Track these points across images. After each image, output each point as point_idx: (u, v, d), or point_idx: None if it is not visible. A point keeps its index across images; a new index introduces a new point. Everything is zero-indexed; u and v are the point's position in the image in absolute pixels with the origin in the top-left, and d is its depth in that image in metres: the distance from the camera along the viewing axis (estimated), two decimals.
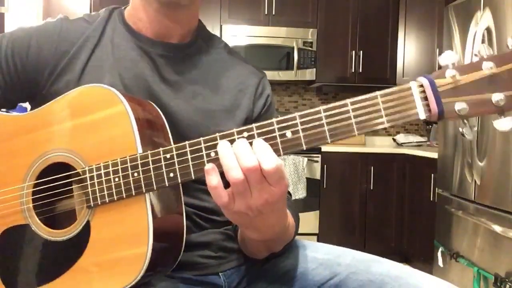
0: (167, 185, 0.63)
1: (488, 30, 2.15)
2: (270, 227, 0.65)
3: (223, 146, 0.57)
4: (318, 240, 3.19)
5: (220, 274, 0.83)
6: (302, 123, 0.57)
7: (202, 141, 0.60)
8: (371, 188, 3.27)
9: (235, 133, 0.59)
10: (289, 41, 3.37)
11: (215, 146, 0.59)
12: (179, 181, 0.62)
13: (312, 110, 0.57)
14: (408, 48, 3.47)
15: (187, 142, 0.61)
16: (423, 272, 0.77)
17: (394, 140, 3.80)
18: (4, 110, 0.85)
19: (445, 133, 2.56)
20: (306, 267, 0.82)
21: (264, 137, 0.58)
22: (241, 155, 0.56)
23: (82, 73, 0.78)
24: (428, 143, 3.62)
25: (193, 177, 0.61)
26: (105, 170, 0.66)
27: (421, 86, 0.55)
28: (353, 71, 3.50)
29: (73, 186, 0.70)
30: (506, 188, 2.04)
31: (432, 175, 2.80)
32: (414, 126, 3.95)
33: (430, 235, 2.69)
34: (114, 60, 0.80)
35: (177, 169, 0.62)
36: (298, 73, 3.38)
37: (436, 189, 2.66)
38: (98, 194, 0.66)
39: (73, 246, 0.67)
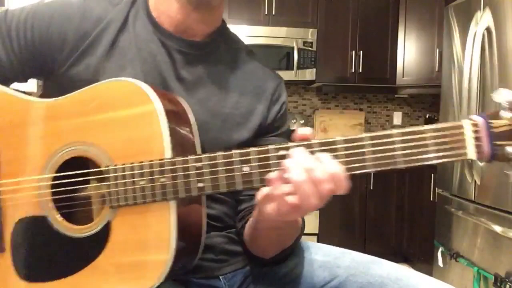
0: (195, 195, 0.61)
1: (488, 30, 2.15)
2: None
3: (300, 172, 0.56)
4: (318, 240, 3.19)
5: (220, 277, 0.82)
6: (345, 148, 0.56)
7: (236, 154, 0.59)
8: (371, 188, 3.27)
9: (272, 150, 0.58)
10: (289, 41, 3.37)
11: (248, 161, 0.58)
12: (209, 192, 0.61)
13: (356, 136, 0.55)
14: (408, 48, 3.46)
15: (219, 153, 0.60)
16: (423, 274, 0.76)
17: None
18: (14, 89, 0.83)
19: None
20: (305, 270, 0.82)
21: None
22: (320, 183, 0.56)
23: (104, 58, 0.76)
24: None
25: (224, 190, 0.60)
26: (131, 172, 0.64)
27: (475, 125, 0.53)
28: (353, 71, 3.49)
29: (96, 184, 0.68)
30: (506, 188, 2.03)
31: (432, 175, 2.80)
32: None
33: (430, 235, 2.69)
34: (136, 49, 0.78)
35: (207, 180, 0.60)
36: (298, 73, 3.38)
37: (436, 189, 2.66)
38: (121, 196, 0.64)
39: (92, 244, 0.66)
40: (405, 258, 3.26)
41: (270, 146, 0.58)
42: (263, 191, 0.61)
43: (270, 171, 0.58)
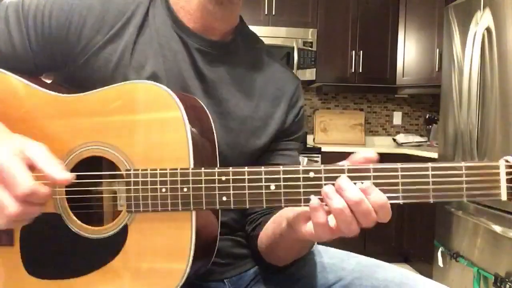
0: (217, 208, 0.60)
1: (488, 30, 2.15)
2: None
3: (339, 202, 0.55)
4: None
5: (225, 280, 0.82)
6: (375, 177, 0.55)
7: (263, 172, 0.58)
8: None
9: (301, 171, 0.57)
10: (289, 41, 3.37)
11: (277, 179, 0.57)
12: (232, 207, 0.59)
13: (388, 166, 0.55)
14: (408, 48, 3.47)
15: (246, 169, 0.59)
16: (428, 279, 0.76)
17: (394, 140, 3.80)
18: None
19: (445, 133, 2.56)
20: (311, 271, 0.81)
21: (332, 182, 0.56)
22: (366, 214, 0.54)
23: (125, 54, 0.74)
24: (428, 143, 3.62)
25: (247, 207, 0.59)
26: (152, 179, 0.62)
27: (510, 167, 0.53)
28: (353, 71, 3.50)
29: (114, 187, 0.67)
30: None
31: None
32: (414, 126, 3.96)
33: (430, 235, 2.69)
34: (157, 46, 0.76)
35: (232, 194, 0.59)
36: (298, 73, 3.38)
37: None
38: (141, 202, 0.63)
39: (106, 246, 0.65)
40: (405, 258, 3.27)
41: (300, 167, 0.57)
42: (301, 211, 0.60)
43: (297, 192, 0.58)
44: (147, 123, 0.65)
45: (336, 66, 3.51)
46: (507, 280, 1.97)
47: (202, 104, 0.73)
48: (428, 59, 3.36)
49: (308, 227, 0.60)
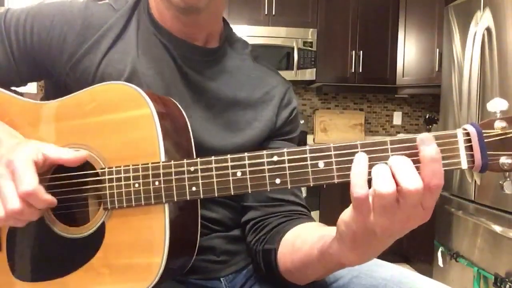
0: (188, 198, 0.61)
1: (488, 30, 2.15)
2: (371, 255, 0.59)
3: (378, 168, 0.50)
4: None
5: (221, 279, 0.82)
6: (336, 155, 0.55)
7: (229, 159, 0.59)
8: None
9: (265, 156, 0.57)
10: (289, 41, 3.37)
11: (242, 166, 0.58)
12: (201, 196, 0.61)
13: (348, 143, 0.55)
14: (408, 48, 3.47)
15: (213, 158, 0.60)
16: (427, 277, 0.75)
17: None
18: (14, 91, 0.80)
19: None
20: None
21: (295, 164, 0.56)
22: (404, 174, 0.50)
23: (100, 63, 0.75)
24: None
25: (216, 195, 0.60)
26: (125, 175, 0.64)
27: (467, 135, 0.51)
28: (353, 71, 3.49)
29: (91, 186, 0.68)
30: None
31: None
32: (414, 126, 3.96)
33: (430, 235, 2.69)
34: (138, 54, 0.77)
35: (200, 184, 0.60)
36: (298, 73, 3.38)
37: None
38: (116, 198, 0.65)
39: (86, 245, 0.67)
40: (405, 258, 3.26)
41: (264, 152, 0.57)
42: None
43: (262, 176, 0.58)
44: (119, 122, 0.67)
45: (336, 66, 3.50)
46: (507, 280, 1.97)
47: (177, 104, 0.73)
48: (428, 59, 3.36)
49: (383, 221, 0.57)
